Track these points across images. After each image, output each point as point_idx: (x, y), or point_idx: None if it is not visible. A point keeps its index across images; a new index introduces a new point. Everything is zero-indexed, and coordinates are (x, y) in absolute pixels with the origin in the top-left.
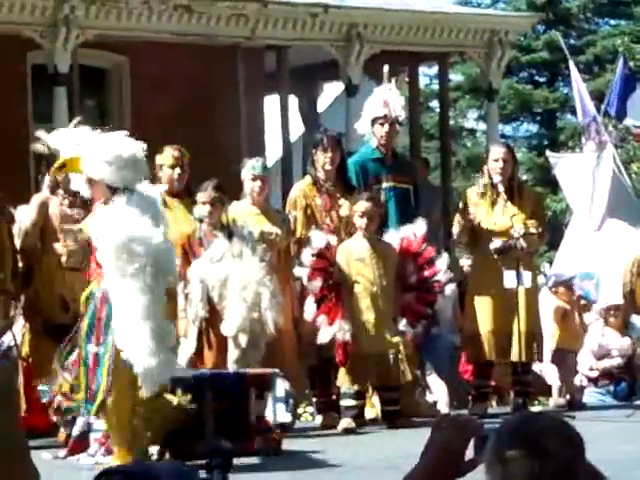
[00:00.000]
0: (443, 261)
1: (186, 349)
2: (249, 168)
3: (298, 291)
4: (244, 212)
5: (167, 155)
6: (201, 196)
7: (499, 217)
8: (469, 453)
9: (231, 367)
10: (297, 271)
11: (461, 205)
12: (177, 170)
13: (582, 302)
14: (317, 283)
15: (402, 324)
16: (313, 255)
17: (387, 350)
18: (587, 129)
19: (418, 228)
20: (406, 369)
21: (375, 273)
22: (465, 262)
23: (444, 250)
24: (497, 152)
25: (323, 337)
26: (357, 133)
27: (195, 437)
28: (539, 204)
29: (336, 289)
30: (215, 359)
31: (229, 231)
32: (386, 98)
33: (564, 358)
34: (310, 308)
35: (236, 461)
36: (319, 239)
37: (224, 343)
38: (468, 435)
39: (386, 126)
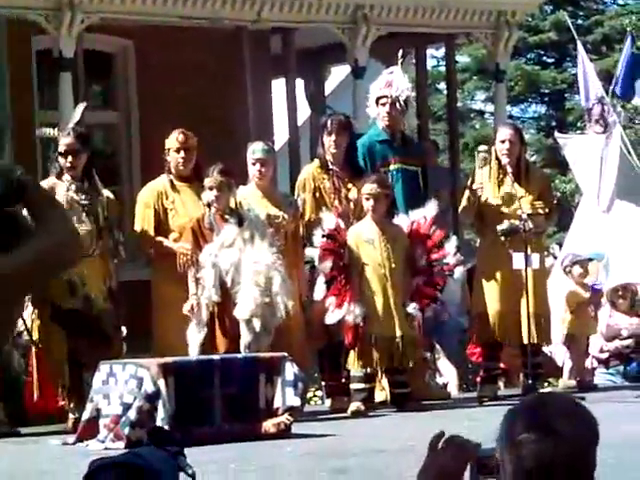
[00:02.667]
0: (452, 243)
1: (198, 335)
2: (249, 152)
3: (307, 274)
4: (249, 196)
5: (172, 139)
6: (207, 181)
7: (506, 198)
8: (467, 476)
9: (243, 351)
10: (308, 252)
11: (469, 183)
12: (182, 154)
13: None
14: (328, 264)
15: (411, 307)
16: (324, 236)
17: (396, 333)
18: (590, 112)
19: (428, 211)
20: (415, 352)
21: (384, 256)
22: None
23: (452, 232)
24: (504, 133)
25: (331, 319)
26: (364, 115)
27: (204, 422)
28: (546, 185)
29: (346, 271)
30: (228, 344)
31: (239, 216)
32: (390, 79)
33: (575, 341)
34: (320, 289)
35: (246, 445)
36: (330, 220)
37: (237, 328)
38: (465, 458)
39: (387, 106)
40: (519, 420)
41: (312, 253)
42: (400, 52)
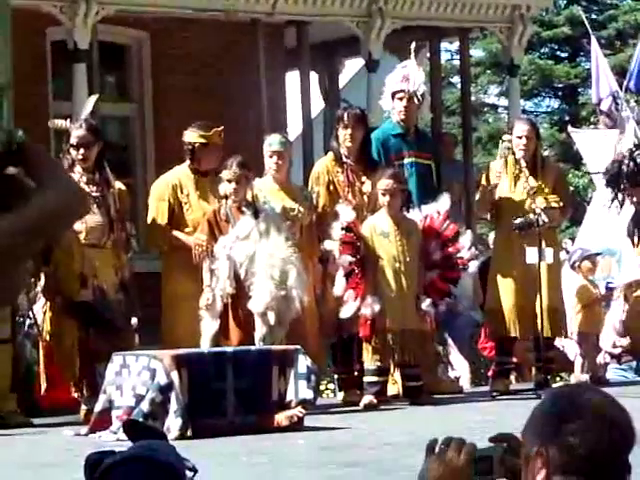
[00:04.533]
0: (467, 238)
1: (211, 326)
2: (266, 145)
3: (320, 267)
4: (266, 189)
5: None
6: (226, 174)
7: (520, 192)
8: None
9: (258, 344)
10: (327, 244)
11: (483, 178)
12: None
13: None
14: (347, 257)
15: (425, 304)
16: (342, 229)
17: (410, 326)
18: (600, 106)
19: (441, 205)
20: (428, 346)
21: (399, 249)
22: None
23: (465, 226)
24: (521, 129)
25: (346, 312)
26: (378, 109)
27: (217, 414)
28: (562, 179)
29: (362, 264)
30: (241, 336)
31: (255, 208)
32: (406, 73)
33: (586, 337)
34: (340, 282)
35: (258, 437)
36: (347, 213)
37: (250, 320)
38: (467, 457)
39: (405, 100)
40: (563, 409)
41: (331, 246)
42: (413, 45)
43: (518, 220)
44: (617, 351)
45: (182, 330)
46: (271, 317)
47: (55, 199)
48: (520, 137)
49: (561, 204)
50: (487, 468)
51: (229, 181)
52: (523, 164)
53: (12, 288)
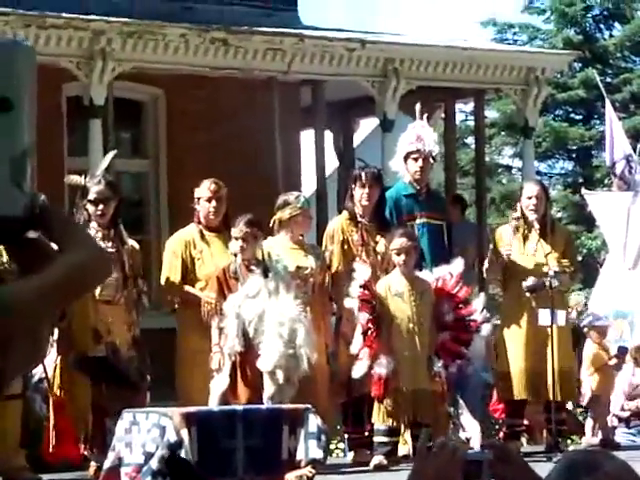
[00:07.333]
0: (480, 301)
1: (219, 384)
2: (300, 203)
3: (333, 326)
4: (280, 247)
5: (204, 188)
6: (234, 231)
7: (532, 255)
8: None
9: (266, 403)
10: (347, 303)
11: (491, 245)
12: (213, 203)
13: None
14: (365, 315)
15: (437, 365)
16: (361, 286)
17: (422, 387)
18: (614, 169)
19: (454, 268)
20: (439, 407)
21: (413, 310)
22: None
23: (478, 288)
24: (531, 190)
25: (358, 371)
26: (392, 168)
27: (226, 473)
28: (570, 242)
29: (377, 323)
30: (249, 394)
31: (264, 267)
32: (419, 133)
33: (598, 401)
34: (357, 340)
35: None
36: (364, 271)
37: (258, 378)
38: (458, 463)
39: (420, 161)
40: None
41: (351, 304)
42: (418, 105)
43: (530, 282)
44: (625, 414)
45: (196, 385)
46: (280, 376)
47: (80, 259)
48: (530, 197)
49: (572, 268)
50: (477, 472)
51: (237, 239)
52: (536, 226)
53: (40, 350)
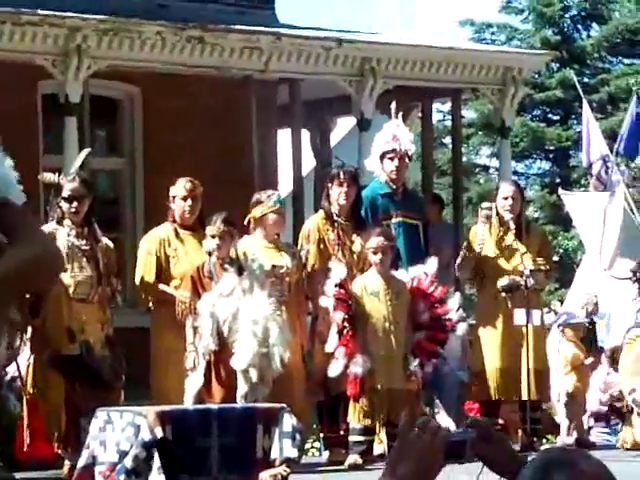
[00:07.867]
0: (455, 300)
1: (194, 383)
2: (272, 202)
3: (309, 326)
4: (255, 246)
5: (179, 187)
6: (210, 229)
7: (507, 254)
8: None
9: (240, 401)
10: (323, 301)
11: (465, 243)
12: (189, 202)
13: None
14: (340, 314)
15: (413, 365)
16: (336, 285)
17: (397, 386)
18: (590, 169)
19: (429, 267)
20: (415, 406)
21: (389, 309)
22: None
23: (455, 288)
24: (506, 190)
25: (334, 370)
26: (367, 168)
27: (201, 472)
28: (546, 241)
29: (353, 322)
30: (224, 393)
31: (239, 265)
32: (395, 132)
33: (574, 400)
34: (333, 339)
35: None
36: (340, 270)
37: (233, 377)
38: (441, 443)
39: (396, 160)
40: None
41: (326, 303)
42: (393, 104)
43: (505, 282)
44: (604, 409)
45: (171, 384)
46: (253, 375)
47: (31, 251)
48: (506, 198)
49: (547, 267)
50: (460, 452)
51: (213, 237)
52: (512, 225)
53: None
